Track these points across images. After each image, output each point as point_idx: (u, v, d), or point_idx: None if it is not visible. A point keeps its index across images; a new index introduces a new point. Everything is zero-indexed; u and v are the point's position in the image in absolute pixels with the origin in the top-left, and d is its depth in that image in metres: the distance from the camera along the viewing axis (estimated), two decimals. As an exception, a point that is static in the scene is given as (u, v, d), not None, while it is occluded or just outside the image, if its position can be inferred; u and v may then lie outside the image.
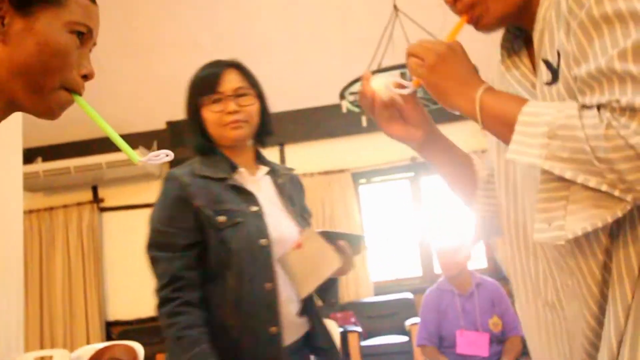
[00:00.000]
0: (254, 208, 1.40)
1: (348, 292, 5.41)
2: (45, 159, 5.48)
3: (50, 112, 0.79)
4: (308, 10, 4.78)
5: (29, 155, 5.54)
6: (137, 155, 0.82)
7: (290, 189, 1.56)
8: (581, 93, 0.68)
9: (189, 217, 1.37)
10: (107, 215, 5.94)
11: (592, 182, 0.63)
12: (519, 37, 0.92)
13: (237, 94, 1.44)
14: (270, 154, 5.71)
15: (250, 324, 1.34)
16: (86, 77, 0.80)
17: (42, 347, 5.42)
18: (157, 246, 1.38)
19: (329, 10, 4.69)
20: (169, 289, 1.34)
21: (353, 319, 5.09)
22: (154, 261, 1.38)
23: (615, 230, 0.71)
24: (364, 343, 4.89)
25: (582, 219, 0.66)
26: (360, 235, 1.45)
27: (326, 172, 5.63)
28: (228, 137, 1.44)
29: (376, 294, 5.49)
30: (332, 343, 1.51)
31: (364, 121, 4.34)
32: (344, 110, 4.53)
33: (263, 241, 1.37)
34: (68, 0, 0.77)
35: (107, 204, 5.95)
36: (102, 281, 5.78)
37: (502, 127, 0.75)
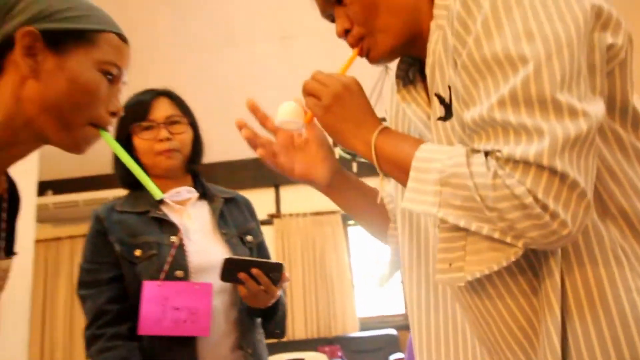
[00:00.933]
0: (173, 239, 1.29)
1: (335, 326, 5.37)
2: (55, 192, 5.47)
3: (77, 147, 0.77)
4: (301, 73, 4.90)
5: (41, 188, 5.56)
6: (160, 192, 0.82)
7: (230, 212, 1.43)
8: (470, 138, 0.65)
9: (107, 251, 1.28)
10: (110, 247, 5.86)
11: (485, 230, 0.60)
12: (413, 66, 0.85)
13: (169, 122, 1.35)
14: (266, 194, 5.72)
15: None
16: (114, 114, 0.78)
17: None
18: (84, 284, 1.29)
19: (321, 68, 4.84)
20: (95, 327, 1.24)
21: (340, 353, 5.03)
22: (82, 300, 1.29)
23: (529, 267, 0.67)
24: (350, 377, 4.84)
25: (480, 261, 0.63)
26: (278, 263, 1.28)
27: (318, 213, 5.62)
28: (160, 166, 1.35)
29: (362, 329, 5.44)
30: None
31: (354, 167, 4.41)
32: (337, 156, 4.61)
33: (178, 273, 1.26)
34: (99, 39, 0.75)
35: (111, 236, 5.88)
36: (102, 309, 5.66)
37: (398, 173, 0.71)
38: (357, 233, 5.92)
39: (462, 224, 0.61)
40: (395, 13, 0.75)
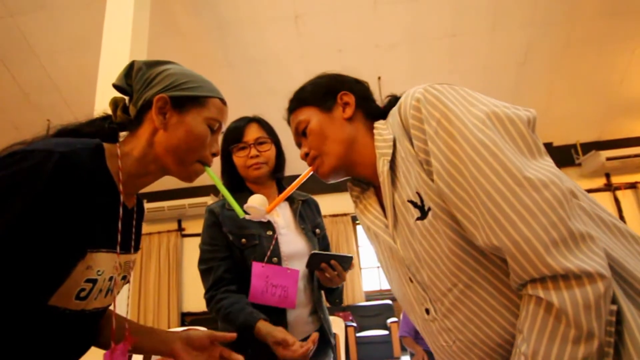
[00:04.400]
0: (269, 232, 1.25)
1: (347, 297, 5.37)
2: (148, 201, 5.54)
3: (188, 177, 0.78)
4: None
5: (138, 198, 5.67)
6: (242, 212, 0.84)
7: (305, 211, 1.38)
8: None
9: (222, 237, 1.25)
10: (186, 240, 5.90)
11: None
12: (364, 185, 0.83)
13: (258, 142, 1.30)
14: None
15: None
16: (214, 154, 0.80)
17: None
18: (205, 261, 1.25)
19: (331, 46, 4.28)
20: (213, 289, 1.21)
21: (351, 317, 5.09)
22: (202, 273, 1.25)
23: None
24: (358, 334, 4.88)
25: None
26: (349, 256, 1.24)
27: (334, 215, 5.62)
28: (252, 175, 1.30)
29: (366, 300, 5.44)
30: (329, 337, 1.30)
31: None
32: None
33: (274, 259, 1.22)
34: (208, 102, 0.77)
35: (187, 232, 5.92)
36: (181, 285, 5.74)
37: None
38: (363, 230, 5.89)
39: None
40: (337, 143, 0.77)
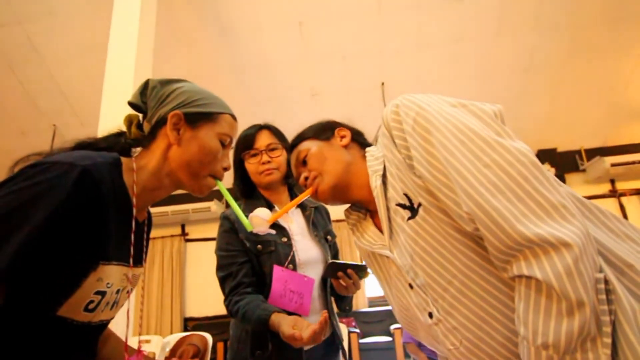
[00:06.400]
0: (284, 239, 1.25)
1: None
2: (152, 206, 5.53)
3: (200, 191, 0.80)
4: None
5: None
6: (250, 226, 0.87)
7: (317, 218, 1.38)
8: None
9: (238, 243, 1.25)
10: (190, 245, 5.91)
11: None
12: (361, 213, 0.88)
13: (269, 149, 1.31)
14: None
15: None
16: (225, 169, 0.82)
17: (140, 334, 5.39)
18: (222, 267, 1.25)
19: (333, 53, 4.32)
20: (233, 294, 1.21)
21: (354, 323, 5.06)
22: (222, 280, 1.25)
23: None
24: (361, 341, 4.84)
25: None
26: (364, 265, 1.24)
27: (337, 221, 5.17)
28: (263, 181, 1.31)
29: (370, 306, 5.41)
30: (341, 343, 1.32)
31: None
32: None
33: (290, 266, 1.22)
34: (220, 118, 0.79)
35: (190, 236, 5.92)
36: (184, 289, 5.73)
37: None
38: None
39: None
40: (336, 162, 0.83)
